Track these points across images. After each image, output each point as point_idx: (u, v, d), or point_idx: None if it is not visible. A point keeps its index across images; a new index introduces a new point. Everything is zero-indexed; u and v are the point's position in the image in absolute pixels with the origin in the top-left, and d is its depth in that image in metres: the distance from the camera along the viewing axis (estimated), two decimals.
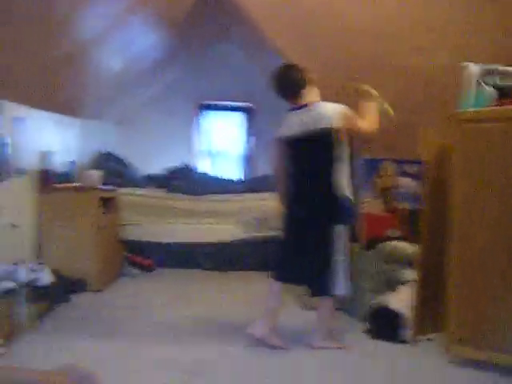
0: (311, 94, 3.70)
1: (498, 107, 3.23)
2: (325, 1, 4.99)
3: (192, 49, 7.41)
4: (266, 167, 7.37)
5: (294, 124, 3.65)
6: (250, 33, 5.94)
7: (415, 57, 5.31)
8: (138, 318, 4.19)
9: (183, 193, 6.19)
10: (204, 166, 7.84)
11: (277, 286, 3.71)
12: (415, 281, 3.77)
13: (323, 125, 3.49)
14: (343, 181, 3.55)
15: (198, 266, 6.00)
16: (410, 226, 6.25)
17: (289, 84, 3.72)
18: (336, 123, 3.48)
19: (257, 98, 7.61)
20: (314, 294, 3.80)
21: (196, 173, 6.95)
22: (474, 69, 3.45)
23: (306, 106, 3.65)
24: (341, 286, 3.54)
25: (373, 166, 6.65)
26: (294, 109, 3.72)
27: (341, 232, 3.53)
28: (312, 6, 5.03)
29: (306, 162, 3.64)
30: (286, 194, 3.78)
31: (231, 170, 7.94)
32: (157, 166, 6.98)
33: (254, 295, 4.87)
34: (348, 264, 3.58)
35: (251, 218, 6.02)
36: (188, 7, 5.59)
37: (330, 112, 3.52)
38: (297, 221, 3.66)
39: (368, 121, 3.52)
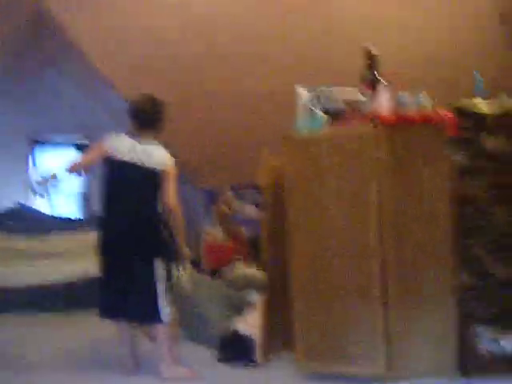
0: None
1: (325, 130, 3.36)
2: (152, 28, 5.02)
3: (20, 80, 7.06)
4: None
5: (126, 149, 3.62)
6: (80, 61, 5.79)
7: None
8: None
9: (22, 233, 5.86)
10: (40, 205, 7.46)
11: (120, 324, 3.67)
12: (261, 303, 3.82)
13: (157, 166, 3.60)
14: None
15: (43, 308, 5.61)
16: (252, 250, 6.37)
17: (153, 115, 3.73)
18: (166, 171, 3.62)
19: (91, 131, 7.41)
20: (143, 323, 3.80)
21: (32, 212, 6.61)
22: (303, 92, 3.60)
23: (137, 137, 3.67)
24: (165, 312, 3.56)
25: (211, 194, 6.71)
26: (131, 135, 3.68)
27: (160, 263, 3.58)
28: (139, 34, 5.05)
29: (132, 191, 3.63)
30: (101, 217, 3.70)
31: (68, 207, 7.68)
32: None
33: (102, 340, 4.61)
34: (168, 291, 3.62)
35: None
36: (13, 33, 5.34)
37: (165, 158, 3.65)
38: (115, 252, 3.62)
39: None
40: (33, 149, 7.69)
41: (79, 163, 3.78)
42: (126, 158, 3.59)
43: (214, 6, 5.00)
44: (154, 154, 3.63)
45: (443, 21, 5.39)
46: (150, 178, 3.61)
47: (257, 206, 6.50)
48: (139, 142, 3.64)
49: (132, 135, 3.68)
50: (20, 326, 5.11)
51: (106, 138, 3.66)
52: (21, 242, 5.82)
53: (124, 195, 3.63)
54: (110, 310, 3.64)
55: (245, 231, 6.60)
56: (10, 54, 5.93)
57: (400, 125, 2.93)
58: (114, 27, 4.95)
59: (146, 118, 3.70)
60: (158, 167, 3.59)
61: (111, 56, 5.18)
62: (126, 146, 3.63)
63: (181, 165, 6.31)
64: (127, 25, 4.95)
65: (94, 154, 3.71)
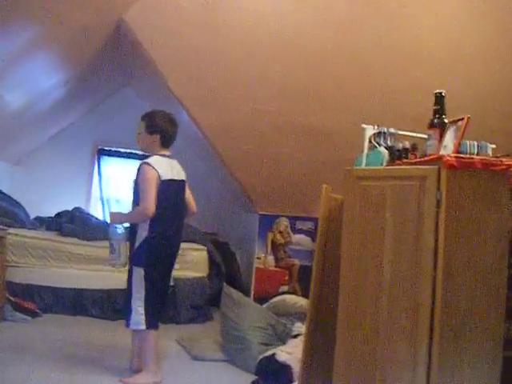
0: None
1: (387, 167, 3.37)
2: (236, 64, 5.13)
3: (94, 92, 7.33)
4: None
5: (169, 168, 3.90)
6: (153, 80, 5.96)
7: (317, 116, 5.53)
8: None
9: (77, 237, 6.01)
10: (97, 212, 7.67)
11: None
12: (305, 334, 3.80)
13: (184, 177, 4.04)
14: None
15: (86, 312, 5.76)
16: (301, 281, 6.37)
17: (176, 132, 4.08)
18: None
19: None
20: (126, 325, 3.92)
21: (89, 217, 6.78)
22: (369, 130, 3.63)
23: (168, 156, 3.98)
24: (138, 321, 3.76)
25: (267, 221, 6.75)
26: (162, 155, 3.94)
27: (138, 272, 3.78)
28: (221, 67, 5.15)
29: (182, 203, 4.02)
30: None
31: None
32: (51, 208, 6.78)
33: None
34: (148, 301, 3.78)
35: None
36: (94, 50, 5.55)
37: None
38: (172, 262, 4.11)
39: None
40: (98, 158, 7.91)
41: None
42: (172, 176, 3.88)
43: (291, 38, 5.07)
44: (180, 167, 4.03)
45: None
46: (184, 189, 4.01)
47: (311, 237, 6.52)
48: (169, 157, 3.96)
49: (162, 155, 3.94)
50: (69, 327, 5.26)
51: (148, 165, 3.80)
52: (74, 246, 5.96)
53: (179, 208, 3.96)
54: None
55: (297, 261, 6.61)
56: (88, 71, 6.16)
57: (463, 169, 2.90)
58: (192, 48, 5.08)
59: (174, 136, 4.04)
60: (184, 178, 4.03)
61: (185, 78, 5.31)
62: (167, 165, 3.89)
63: (243, 188, 6.46)
64: (205, 47, 5.06)
65: (153, 189, 3.76)
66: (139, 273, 3.77)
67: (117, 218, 3.99)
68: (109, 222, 4.10)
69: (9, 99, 5.21)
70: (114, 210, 3.98)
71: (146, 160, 3.83)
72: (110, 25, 5.04)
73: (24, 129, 6.43)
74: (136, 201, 3.82)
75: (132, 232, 3.85)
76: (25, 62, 4.68)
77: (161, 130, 3.91)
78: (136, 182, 3.83)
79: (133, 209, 3.89)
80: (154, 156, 3.85)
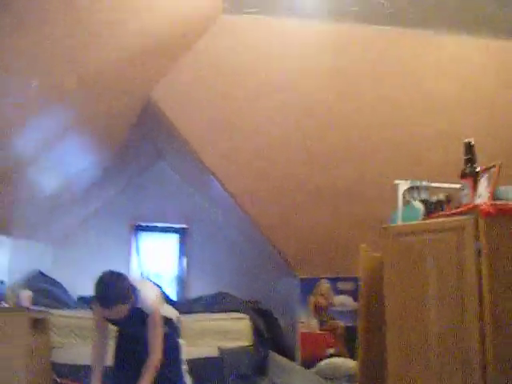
0: None
1: (424, 221, 3.38)
2: (264, 132, 5.25)
3: (128, 169, 7.50)
4: (197, 288, 7.38)
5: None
6: (185, 154, 6.10)
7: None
8: None
9: None
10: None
11: None
12: None
13: None
14: None
15: None
16: (347, 343, 6.26)
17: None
18: None
19: (191, 218, 7.72)
20: None
21: None
22: (402, 185, 3.65)
23: None
24: None
25: (308, 284, 6.71)
26: None
27: None
28: (249, 136, 5.27)
29: None
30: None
31: (164, 291, 7.83)
32: (91, 287, 6.84)
33: None
34: None
35: None
36: (126, 129, 5.72)
37: None
38: None
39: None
40: (136, 234, 8.01)
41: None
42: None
43: (313, 99, 5.18)
44: None
45: None
46: None
47: (354, 297, 6.45)
48: None
49: None
50: None
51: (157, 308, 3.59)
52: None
53: None
54: None
55: (341, 323, 6.52)
56: (127, 148, 6.33)
57: (500, 216, 2.89)
58: (220, 121, 5.22)
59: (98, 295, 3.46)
60: None
61: (216, 149, 5.43)
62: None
63: (280, 253, 6.47)
64: (233, 119, 5.20)
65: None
66: None
67: None
68: None
69: (46, 181, 5.36)
70: None
71: (151, 308, 3.52)
72: (138, 103, 5.21)
73: (61, 209, 6.56)
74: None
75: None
76: (59, 148, 4.83)
77: None
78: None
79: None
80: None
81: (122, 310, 3.30)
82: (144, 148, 7.11)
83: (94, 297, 3.41)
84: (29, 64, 3.34)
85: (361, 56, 5.01)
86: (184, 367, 3.76)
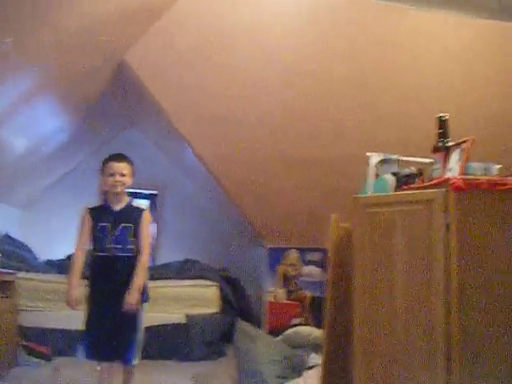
0: None
1: (394, 193, 3.39)
2: (238, 98, 5.20)
3: (99, 134, 7.40)
4: (167, 254, 7.37)
5: None
6: (157, 119, 6.03)
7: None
8: None
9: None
10: None
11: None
12: (321, 364, 3.77)
13: None
14: None
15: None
16: (314, 312, 6.33)
17: None
18: None
19: (162, 184, 7.68)
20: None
21: None
22: (374, 157, 3.66)
23: None
24: (137, 356, 3.76)
25: (277, 254, 6.75)
26: None
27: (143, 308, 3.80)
28: (223, 102, 5.23)
29: None
30: None
31: None
32: (61, 251, 6.79)
33: None
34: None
35: None
36: (97, 93, 5.63)
37: None
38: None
39: None
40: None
41: None
42: None
43: (294, 68, 5.15)
44: None
45: None
46: None
47: (322, 268, 6.51)
48: None
49: None
50: (81, 370, 5.17)
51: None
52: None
53: None
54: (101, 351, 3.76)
55: (308, 293, 6.59)
56: (98, 113, 6.23)
57: (470, 191, 2.91)
58: (193, 86, 5.15)
59: None
60: None
61: (188, 115, 5.38)
62: None
63: (249, 222, 6.47)
64: (206, 85, 5.14)
65: None
66: (144, 309, 3.79)
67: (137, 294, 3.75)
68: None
69: (13, 143, 5.26)
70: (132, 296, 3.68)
71: (145, 206, 3.94)
72: (111, 67, 5.12)
73: (29, 172, 6.47)
74: (130, 245, 3.76)
75: (134, 264, 3.75)
76: (28, 108, 4.73)
77: None
78: (137, 226, 3.78)
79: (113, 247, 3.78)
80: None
81: (129, 173, 3.80)
82: (115, 113, 7.01)
83: (107, 158, 3.85)
84: (2, 20, 3.25)
85: (342, 36, 5.01)
86: None
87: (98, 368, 3.62)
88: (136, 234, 3.74)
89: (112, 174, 3.78)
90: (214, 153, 5.69)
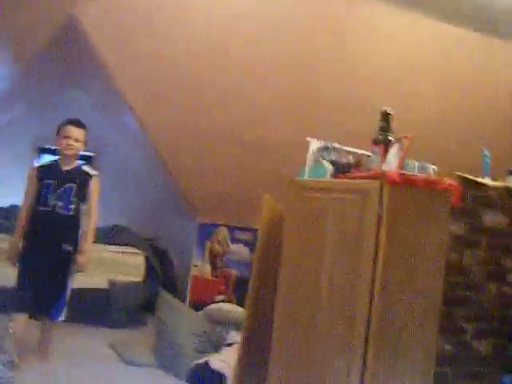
0: None
1: (330, 179, 3.42)
2: (184, 66, 5.13)
3: (39, 90, 7.17)
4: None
5: None
6: (101, 81, 5.89)
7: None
8: None
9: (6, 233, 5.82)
10: None
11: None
12: (240, 341, 3.80)
13: None
14: None
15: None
16: (237, 291, 6.37)
17: None
18: None
19: (98, 147, 7.52)
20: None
21: None
22: (314, 143, 3.67)
23: None
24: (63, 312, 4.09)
25: (206, 230, 6.73)
26: None
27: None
28: (170, 67, 5.15)
29: None
30: None
31: None
32: None
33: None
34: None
35: None
36: (40, 45, 5.43)
37: None
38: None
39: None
40: (39, 156, 7.77)
41: None
42: None
43: (250, 46, 5.11)
44: None
45: (462, 93, 5.52)
46: None
47: (249, 248, 6.54)
48: None
49: None
50: None
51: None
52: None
53: None
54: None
55: (233, 271, 6.61)
56: (33, 68, 6.02)
57: (405, 185, 2.96)
58: (144, 53, 5.05)
59: None
60: None
61: (136, 82, 5.28)
62: None
63: (183, 195, 6.43)
64: (158, 53, 5.05)
65: None
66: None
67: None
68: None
69: None
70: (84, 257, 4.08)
71: (95, 172, 4.18)
72: (58, 20, 4.95)
73: None
74: (71, 205, 4.03)
75: (73, 224, 4.05)
76: None
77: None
78: (82, 188, 4.07)
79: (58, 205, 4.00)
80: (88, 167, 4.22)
81: (82, 139, 4.14)
82: (56, 69, 6.79)
83: (65, 121, 4.13)
84: None
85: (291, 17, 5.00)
86: None
87: (10, 324, 3.61)
88: (79, 196, 4.03)
89: (66, 137, 4.04)
90: (155, 120, 5.61)
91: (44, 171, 4.10)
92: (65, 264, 4.03)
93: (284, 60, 5.21)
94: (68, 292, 4.05)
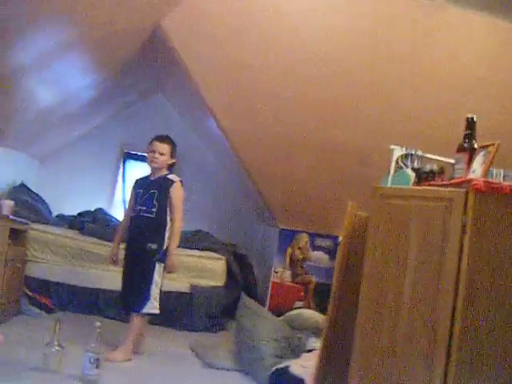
0: None
1: (414, 187, 3.38)
2: (266, 67, 5.18)
3: (124, 95, 7.42)
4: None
5: None
6: (186, 88, 6.03)
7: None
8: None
9: (97, 237, 6.04)
10: (119, 214, 7.71)
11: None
12: (320, 348, 3.79)
13: None
14: None
15: (101, 313, 5.73)
16: (316, 298, 6.37)
17: None
18: None
19: (180, 153, 7.69)
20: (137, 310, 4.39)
21: (111, 219, 6.84)
22: (397, 151, 3.65)
23: None
24: (154, 306, 4.38)
25: (287, 236, 6.77)
26: None
27: (160, 266, 4.43)
28: (256, 77, 5.25)
29: None
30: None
31: None
32: (73, 207, 6.87)
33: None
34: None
35: None
36: (129, 54, 5.63)
37: None
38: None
39: None
40: (124, 161, 7.99)
41: None
42: None
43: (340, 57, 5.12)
44: None
45: None
46: None
47: (330, 255, 6.53)
48: None
49: None
50: (82, 325, 5.18)
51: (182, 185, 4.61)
52: (94, 245, 6.00)
53: None
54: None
55: (313, 278, 6.62)
56: (121, 74, 6.23)
57: (491, 194, 2.89)
58: (232, 63, 5.15)
59: None
60: None
61: (221, 91, 5.38)
62: None
63: (265, 201, 6.49)
64: (245, 63, 5.13)
65: None
66: (161, 266, 4.37)
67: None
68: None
69: (41, 96, 5.29)
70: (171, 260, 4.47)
71: (177, 178, 4.48)
72: (146, 30, 5.12)
73: (53, 126, 6.51)
74: (153, 208, 4.39)
75: (156, 224, 4.39)
76: (59, 62, 4.75)
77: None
78: (165, 193, 4.40)
79: (139, 212, 4.42)
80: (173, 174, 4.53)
81: (167, 153, 4.52)
82: (145, 77, 7.02)
83: (153, 137, 4.59)
84: None
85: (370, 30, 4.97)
86: None
87: (98, 324, 3.74)
88: (162, 200, 4.38)
89: (152, 151, 4.48)
90: (238, 128, 5.69)
91: (138, 183, 4.62)
92: (149, 260, 4.35)
93: (364, 70, 5.18)
94: (153, 287, 4.33)
